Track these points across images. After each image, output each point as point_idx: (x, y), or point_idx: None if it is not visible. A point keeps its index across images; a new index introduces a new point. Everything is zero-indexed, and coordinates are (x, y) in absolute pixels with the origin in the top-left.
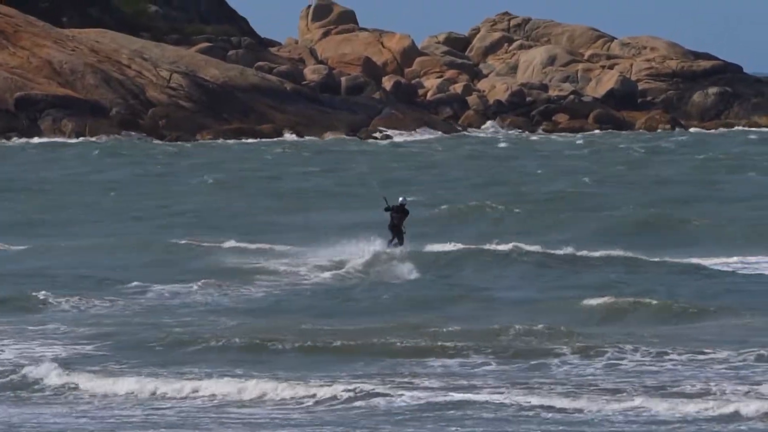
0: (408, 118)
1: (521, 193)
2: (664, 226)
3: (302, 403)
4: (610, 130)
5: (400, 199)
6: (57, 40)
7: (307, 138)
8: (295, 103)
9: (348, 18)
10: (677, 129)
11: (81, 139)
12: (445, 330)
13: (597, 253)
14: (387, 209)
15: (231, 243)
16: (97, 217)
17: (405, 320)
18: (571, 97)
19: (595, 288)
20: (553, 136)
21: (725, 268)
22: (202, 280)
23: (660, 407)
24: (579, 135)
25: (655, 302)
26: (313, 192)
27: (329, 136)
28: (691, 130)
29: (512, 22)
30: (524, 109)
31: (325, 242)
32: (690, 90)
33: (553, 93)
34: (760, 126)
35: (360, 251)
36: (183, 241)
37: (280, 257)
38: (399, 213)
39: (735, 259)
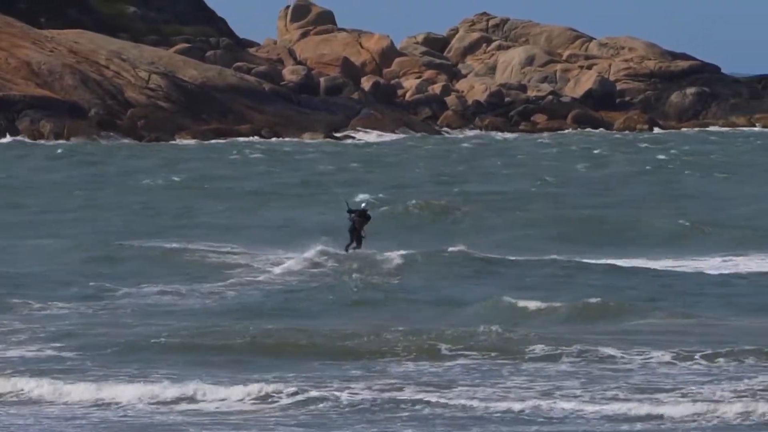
0: (387, 119)
1: (476, 193)
2: (612, 226)
3: (266, 403)
4: (578, 129)
5: (363, 204)
6: (35, 41)
7: (282, 139)
8: (274, 103)
9: (326, 18)
10: (654, 129)
11: (53, 141)
12: (401, 329)
13: (541, 256)
14: (349, 212)
15: (188, 243)
16: (57, 217)
17: (361, 321)
18: (550, 97)
19: (542, 289)
20: (530, 136)
21: (674, 269)
22: (158, 281)
23: (631, 405)
24: (545, 134)
25: (598, 302)
26: (272, 192)
27: (307, 136)
28: (658, 131)
29: (491, 23)
30: (503, 109)
31: (280, 243)
32: (668, 90)
33: (531, 93)
34: (737, 126)
35: (312, 252)
36: (138, 242)
37: (238, 258)
38: (360, 218)
39: (683, 259)
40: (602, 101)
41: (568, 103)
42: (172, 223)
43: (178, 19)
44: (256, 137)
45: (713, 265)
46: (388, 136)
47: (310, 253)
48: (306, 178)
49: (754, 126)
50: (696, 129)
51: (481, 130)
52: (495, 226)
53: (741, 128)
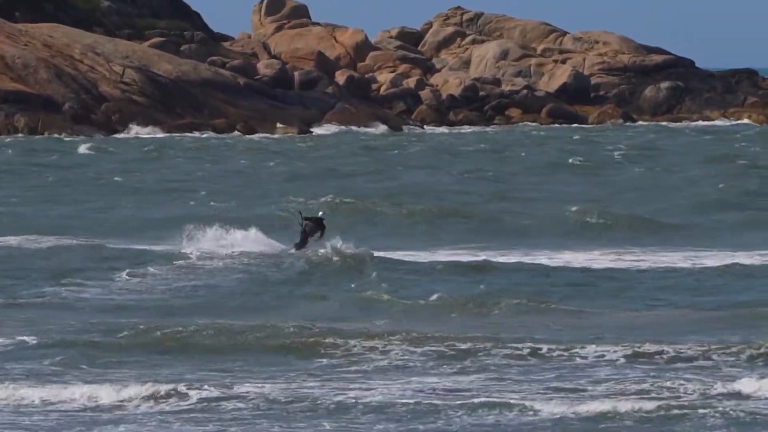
0: (361, 113)
1: (397, 186)
2: (525, 220)
3: (167, 403)
4: (552, 124)
5: (320, 213)
6: (9, 34)
7: (245, 135)
8: (249, 97)
9: (301, 12)
10: (626, 123)
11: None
12: (316, 328)
13: (445, 250)
14: (304, 219)
15: (102, 239)
16: None
17: (252, 316)
18: (524, 91)
19: (434, 284)
20: (496, 129)
21: (562, 264)
22: (70, 277)
23: (563, 406)
24: (491, 128)
25: (460, 297)
26: (197, 190)
27: (279, 130)
28: (612, 125)
29: (465, 17)
30: (477, 103)
31: (203, 239)
32: (642, 84)
33: (506, 87)
34: (711, 120)
35: (216, 245)
36: (48, 239)
37: (147, 251)
38: (315, 225)
39: (582, 253)
40: (577, 95)
41: (543, 98)
42: (90, 216)
43: (153, 13)
44: (208, 132)
45: (610, 258)
46: (348, 130)
47: (212, 245)
48: (238, 171)
49: (728, 120)
50: (666, 123)
51: (454, 124)
52: (403, 220)
53: (704, 122)
